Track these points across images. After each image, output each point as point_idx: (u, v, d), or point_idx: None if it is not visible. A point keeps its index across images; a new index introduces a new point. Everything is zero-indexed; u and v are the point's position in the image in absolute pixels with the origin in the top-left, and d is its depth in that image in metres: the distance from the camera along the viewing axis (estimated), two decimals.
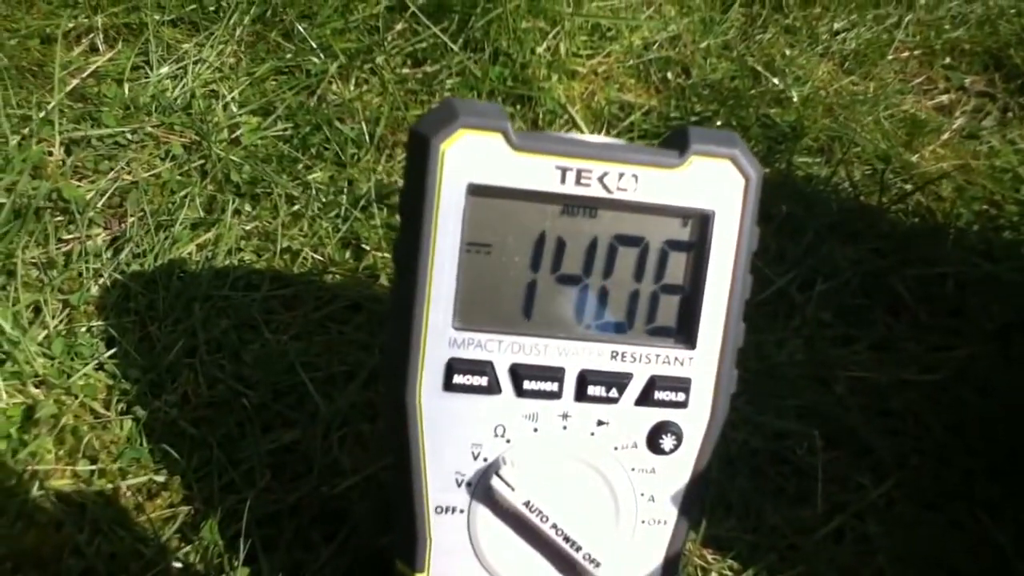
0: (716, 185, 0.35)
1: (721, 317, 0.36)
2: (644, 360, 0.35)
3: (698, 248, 0.36)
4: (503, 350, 0.34)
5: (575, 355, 0.35)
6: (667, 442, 0.35)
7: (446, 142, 0.33)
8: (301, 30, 0.72)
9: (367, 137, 0.66)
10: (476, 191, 0.33)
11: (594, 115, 0.74)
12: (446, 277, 0.34)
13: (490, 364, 0.34)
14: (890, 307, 0.59)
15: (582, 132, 0.72)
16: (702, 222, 0.35)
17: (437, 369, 0.34)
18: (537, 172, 0.34)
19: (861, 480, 0.49)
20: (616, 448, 0.35)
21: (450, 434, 0.34)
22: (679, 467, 0.36)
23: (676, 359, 0.35)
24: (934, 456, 0.51)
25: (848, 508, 0.48)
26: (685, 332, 0.36)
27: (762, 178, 0.36)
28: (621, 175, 0.34)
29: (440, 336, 0.34)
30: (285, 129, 0.66)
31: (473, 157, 0.33)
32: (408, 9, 0.75)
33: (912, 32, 0.87)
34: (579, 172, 0.34)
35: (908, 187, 0.68)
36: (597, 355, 0.35)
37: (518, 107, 0.73)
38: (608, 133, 0.73)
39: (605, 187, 0.34)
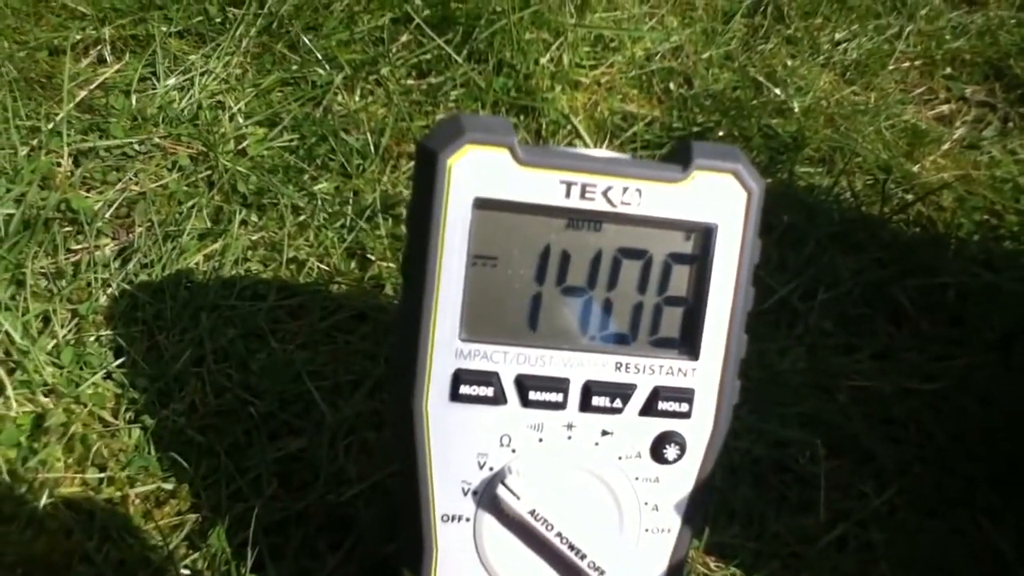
0: (719, 199, 0.36)
1: (724, 329, 0.36)
2: (648, 371, 0.36)
3: (701, 261, 0.36)
4: (509, 361, 0.35)
5: (580, 366, 0.35)
6: (670, 452, 0.36)
7: (453, 157, 0.34)
8: (307, 42, 0.73)
9: (372, 148, 0.67)
10: (482, 205, 0.34)
11: (597, 126, 0.75)
12: (453, 289, 0.34)
13: (496, 375, 0.34)
14: (892, 316, 0.60)
15: (585, 143, 0.73)
16: (705, 235, 0.36)
17: (444, 379, 0.34)
18: (542, 186, 0.34)
19: (863, 488, 0.49)
20: (620, 458, 0.36)
21: (456, 443, 0.34)
22: (682, 476, 0.36)
23: (679, 370, 0.36)
24: (936, 464, 0.51)
25: (851, 516, 0.48)
26: (688, 343, 0.36)
27: (764, 191, 0.37)
28: (625, 189, 0.35)
29: (447, 347, 0.34)
30: (291, 140, 0.67)
31: (479, 172, 0.34)
32: (413, 21, 0.76)
33: (913, 42, 0.87)
34: (584, 186, 0.35)
35: (909, 197, 0.68)
36: (601, 366, 0.35)
37: (522, 118, 0.74)
38: (611, 143, 0.74)
39: (609, 201, 0.35)
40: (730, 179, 0.36)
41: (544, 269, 0.35)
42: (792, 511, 0.48)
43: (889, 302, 0.60)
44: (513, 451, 0.35)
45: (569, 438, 0.35)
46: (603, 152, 0.37)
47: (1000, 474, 0.50)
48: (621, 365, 0.35)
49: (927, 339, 0.58)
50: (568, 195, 0.35)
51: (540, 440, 0.35)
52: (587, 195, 0.35)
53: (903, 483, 0.50)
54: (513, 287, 0.35)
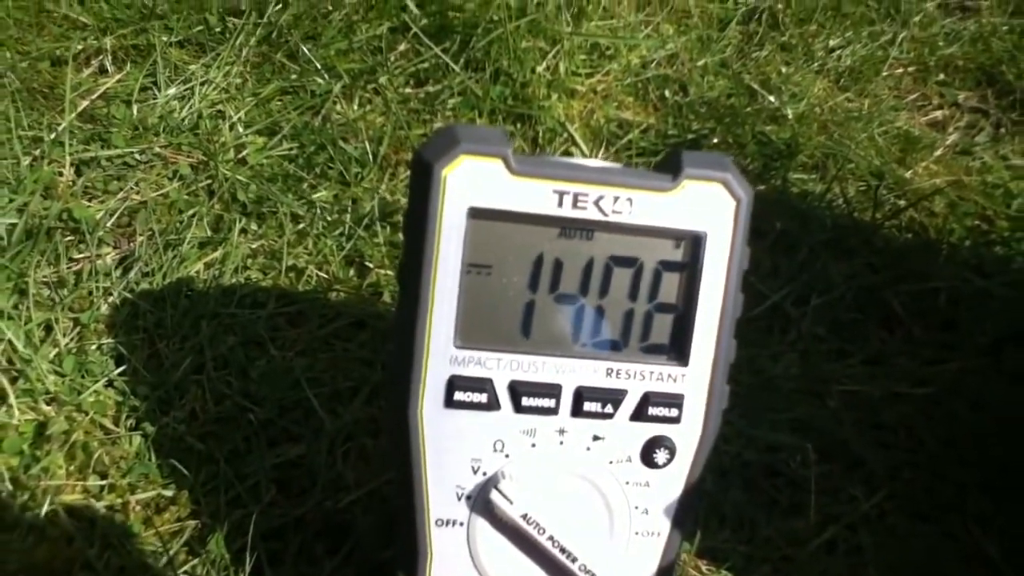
0: (708, 207, 0.36)
1: (713, 335, 0.37)
2: (638, 377, 0.36)
3: (691, 268, 0.37)
4: (502, 367, 0.35)
5: (572, 372, 0.36)
6: (660, 456, 0.36)
7: (448, 167, 0.34)
8: (306, 51, 0.74)
9: (370, 156, 0.67)
10: (476, 214, 0.35)
11: (593, 133, 0.76)
12: (447, 297, 0.35)
13: (490, 381, 0.35)
14: (884, 322, 0.60)
15: (582, 150, 0.74)
16: (694, 243, 0.37)
17: (439, 386, 0.35)
18: (535, 196, 0.35)
19: (853, 492, 0.50)
20: (611, 462, 0.36)
21: (451, 449, 0.35)
22: (672, 480, 0.37)
23: (669, 376, 0.37)
24: (927, 469, 0.52)
25: (841, 520, 0.49)
26: (678, 349, 0.37)
27: (752, 199, 0.37)
28: (616, 198, 0.36)
29: (442, 354, 0.35)
30: (290, 149, 0.68)
31: (474, 181, 0.35)
32: (410, 30, 0.76)
33: (906, 49, 0.88)
34: (576, 196, 0.35)
35: (901, 203, 0.69)
36: (593, 372, 0.36)
37: (518, 125, 0.75)
38: (607, 150, 0.74)
39: (601, 210, 0.36)
40: (719, 188, 0.36)
41: (537, 277, 0.36)
42: (783, 514, 0.49)
43: (881, 307, 0.61)
44: (506, 456, 0.36)
45: (561, 443, 0.36)
46: (596, 162, 0.38)
47: (991, 480, 0.51)
48: (612, 371, 0.36)
49: (919, 344, 0.59)
50: (561, 204, 0.35)
51: (533, 445, 0.36)
52: (579, 204, 0.35)
53: (893, 488, 0.50)
54: (507, 295, 0.36)
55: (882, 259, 0.64)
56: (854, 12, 0.92)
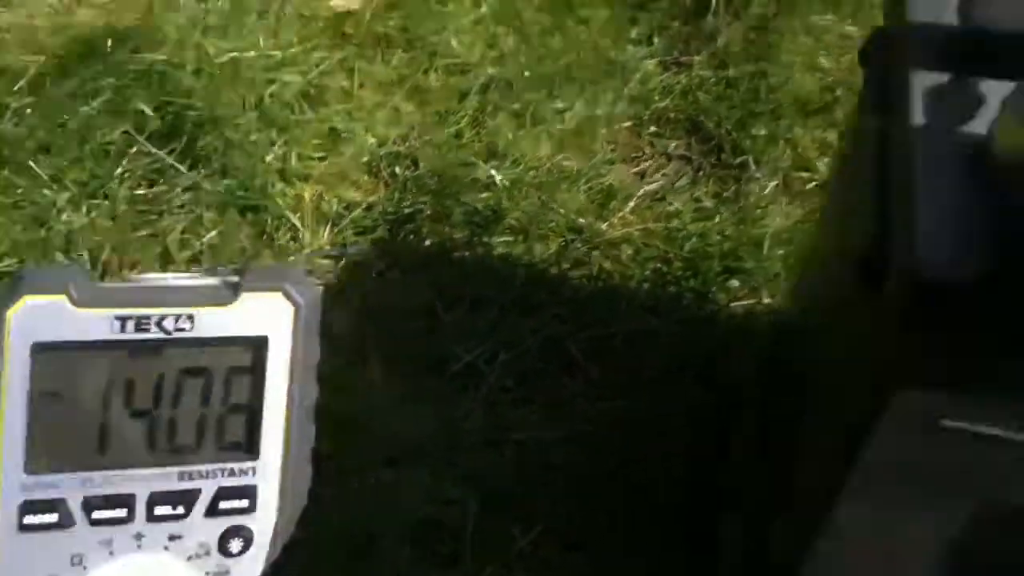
0: (268, 314, 0.40)
1: (282, 425, 0.41)
2: (211, 476, 0.40)
3: (257, 370, 0.41)
4: (76, 487, 0.38)
5: (145, 481, 0.39)
6: (235, 545, 0.40)
7: (12, 309, 0.38)
8: (32, 165, 0.76)
9: (89, 263, 0.70)
10: (41, 348, 0.38)
11: (323, 216, 0.80)
12: (16, 429, 0.37)
13: (63, 501, 0.38)
14: (567, 368, 0.67)
15: (301, 238, 0.78)
16: (258, 347, 0.40)
17: (11, 513, 0.37)
18: (99, 324, 0.38)
19: (513, 531, 0.55)
20: (190, 558, 0.40)
21: (28, 570, 0.38)
22: (250, 564, 0.40)
23: (241, 470, 0.40)
24: (580, 500, 0.58)
25: (497, 559, 0.54)
26: (250, 444, 0.40)
27: (316, 302, 0.42)
28: (178, 317, 0.39)
29: (13, 483, 0.37)
30: (9, 265, 0.69)
31: (38, 319, 0.38)
32: (144, 132, 0.80)
33: (625, 106, 0.97)
34: (138, 320, 0.39)
35: (595, 254, 0.76)
36: (166, 478, 0.39)
37: (248, 216, 0.78)
38: (332, 231, 0.79)
39: (164, 330, 0.39)
40: (278, 296, 0.41)
41: (109, 398, 0.39)
42: (442, 565, 0.53)
43: (565, 355, 0.67)
44: (84, 568, 0.38)
45: (139, 547, 0.39)
46: (168, 278, 0.41)
47: (635, 504, 0.57)
48: (185, 474, 0.40)
49: (596, 385, 0.65)
50: (124, 329, 0.39)
51: (111, 553, 0.39)
52: (142, 327, 0.39)
53: (549, 523, 0.56)
54: (79, 419, 0.39)
55: (569, 310, 0.71)
56: (582, 75, 1.00)
